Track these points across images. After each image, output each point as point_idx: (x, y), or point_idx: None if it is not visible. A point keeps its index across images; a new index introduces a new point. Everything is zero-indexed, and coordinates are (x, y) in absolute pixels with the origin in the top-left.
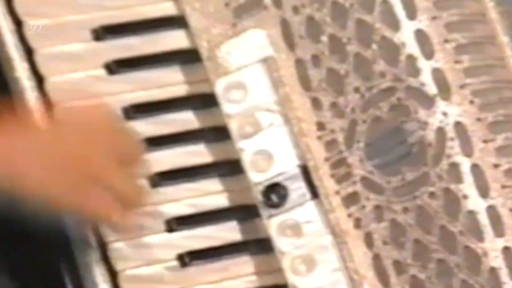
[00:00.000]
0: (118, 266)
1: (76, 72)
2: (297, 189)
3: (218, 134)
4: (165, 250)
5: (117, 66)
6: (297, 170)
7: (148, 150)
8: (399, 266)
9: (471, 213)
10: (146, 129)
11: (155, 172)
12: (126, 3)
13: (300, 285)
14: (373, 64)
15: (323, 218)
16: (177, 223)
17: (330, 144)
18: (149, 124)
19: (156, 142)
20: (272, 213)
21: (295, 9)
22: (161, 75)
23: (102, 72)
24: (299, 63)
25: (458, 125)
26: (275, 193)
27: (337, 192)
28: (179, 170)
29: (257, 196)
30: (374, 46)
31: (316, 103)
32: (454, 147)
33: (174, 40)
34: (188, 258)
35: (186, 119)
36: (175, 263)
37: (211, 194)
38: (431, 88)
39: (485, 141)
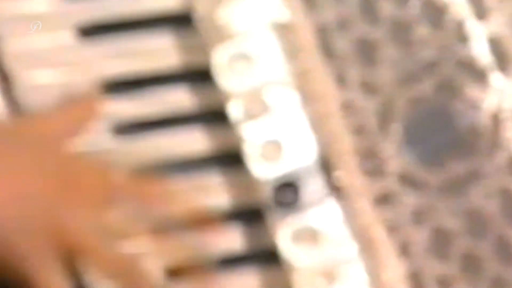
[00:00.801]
0: None
1: (40, 35)
2: (315, 185)
3: (215, 116)
4: None
5: (90, 30)
6: (315, 162)
7: (130, 135)
8: (443, 282)
9: None
10: (127, 108)
11: (141, 162)
12: None
13: None
14: (412, 29)
15: (348, 221)
16: None
17: (359, 129)
18: (130, 103)
19: (140, 125)
20: (283, 214)
21: None
22: (144, 41)
23: (71, 36)
24: (321, 28)
25: None
26: (287, 189)
27: (367, 190)
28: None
29: (265, 193)
30: (414, 7)
31: (341, 78)
32: None
33: None
34: None
35: (176, 97)
36: None
37: (206, 191)
38: (485, 59)
39: None
